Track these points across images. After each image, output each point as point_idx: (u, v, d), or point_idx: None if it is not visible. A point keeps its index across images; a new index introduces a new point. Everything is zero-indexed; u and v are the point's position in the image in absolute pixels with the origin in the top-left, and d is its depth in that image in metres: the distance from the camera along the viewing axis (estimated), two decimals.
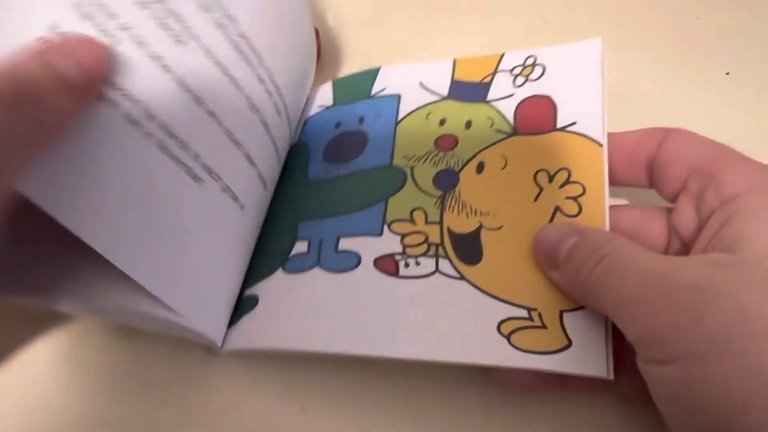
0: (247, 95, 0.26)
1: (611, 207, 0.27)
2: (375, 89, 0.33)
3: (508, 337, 0.24)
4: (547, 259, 0.25)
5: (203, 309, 0.25)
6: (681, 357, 0.19)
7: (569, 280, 0.24)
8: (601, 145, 0.27)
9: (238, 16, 0.26)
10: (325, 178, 0.30)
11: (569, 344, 0.24)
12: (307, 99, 0.35)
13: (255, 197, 0.27)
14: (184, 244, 0.24)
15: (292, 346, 0.26)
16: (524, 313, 0.25)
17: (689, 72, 0.33)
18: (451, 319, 0.25)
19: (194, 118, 0.24)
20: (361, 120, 0.32)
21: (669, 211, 0.26)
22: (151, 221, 0.22)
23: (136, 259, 0.22)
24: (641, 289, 0.20)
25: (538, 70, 0.30)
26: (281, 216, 0.30)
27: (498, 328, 0.25)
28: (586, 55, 0.30)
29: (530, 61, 0.31)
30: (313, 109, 0.34)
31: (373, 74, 0.33)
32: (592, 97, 0.28)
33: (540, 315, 0.25)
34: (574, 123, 0.28)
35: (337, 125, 0.32)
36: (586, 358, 0.23)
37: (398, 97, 0.32)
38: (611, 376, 0.23)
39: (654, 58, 0.34)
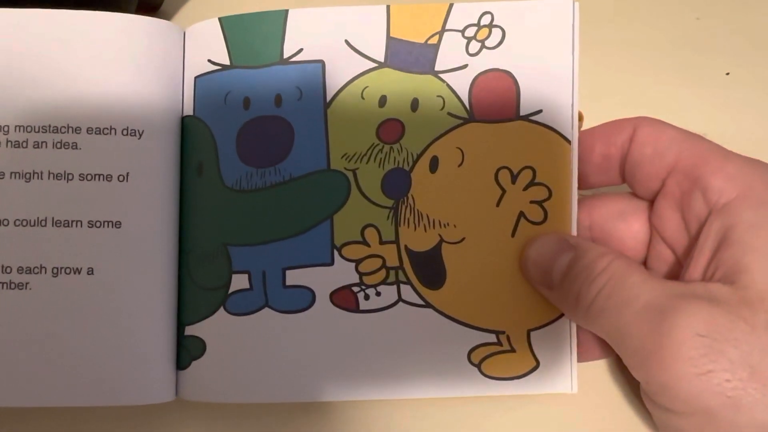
0: None
1: (583, 198, 0.25)
2: (288, 48, 0.25)
3: (478, 366, 0.25)
4: (540, 279, 0.24)
5: (144, 386, 0.24)
6: (691, 412, 0.19)
7: (568, 307, 0.23)
8: (569, 141, 0.24)
9: None
10: (249, 188, 0.24)
11: (537, 365, 0.25)
12: (183, 43, 0.26)
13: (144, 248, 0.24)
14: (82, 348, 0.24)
15: (251, 399, 0.25)
16: (492, 338, 0.25)
17: (689, 72, 0.33)
18: (419, 353, 0.25)
19: None
20: (278, 100, 0.25)
21: (647, 203, 0.25)
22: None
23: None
24: (646, 333, 0.20)
25: (496, 35, 0.24)
26: (200, 228, 0.25)
27: (468, 357, 0.25)
28: (554, 20, 0.24)
29: (486, 20, 0.24)
30: (200, 63, 0.25)
31: (279, 21, 0.25)
32: (561, 78, 0.24)
33: (508, 338, 0.25)
34: (539, 111, 0.24)
35: (246, 104, 0.25)
36: (553, 377, 0.25)
37: (322, 65, 0.24)
38: (575, 390, 0.25)
39: (654, 58, 0.33)
